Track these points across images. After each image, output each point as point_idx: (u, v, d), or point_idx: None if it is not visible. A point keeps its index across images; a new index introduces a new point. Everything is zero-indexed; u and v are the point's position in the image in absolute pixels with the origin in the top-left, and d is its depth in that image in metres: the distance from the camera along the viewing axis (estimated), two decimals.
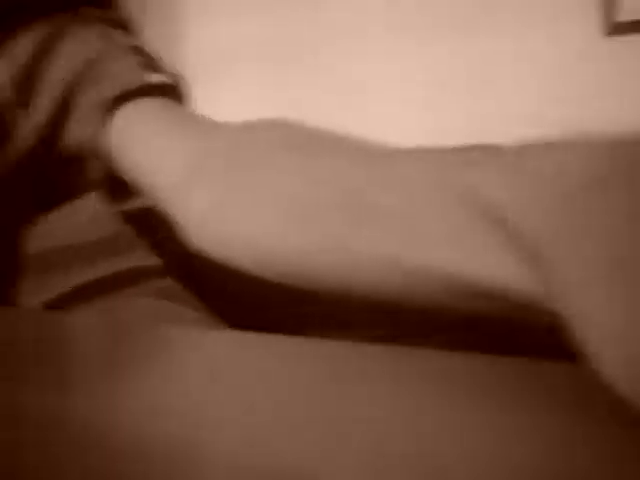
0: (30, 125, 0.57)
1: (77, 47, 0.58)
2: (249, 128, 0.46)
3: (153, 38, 0.62)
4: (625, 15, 1.58)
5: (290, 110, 1.59)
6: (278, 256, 0.38)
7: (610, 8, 1.59)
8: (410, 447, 0.21)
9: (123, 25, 0.61)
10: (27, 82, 0.58)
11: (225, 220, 0.42)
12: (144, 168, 0.50)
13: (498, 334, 0.47)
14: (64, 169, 0.59)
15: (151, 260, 0.85)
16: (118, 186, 0.55)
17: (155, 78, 0.55)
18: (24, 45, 0.58)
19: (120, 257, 0.79)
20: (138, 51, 0.59)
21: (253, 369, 0.30)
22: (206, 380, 0.29)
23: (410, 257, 0.31)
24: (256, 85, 2.00)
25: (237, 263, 0.41)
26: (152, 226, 0.62)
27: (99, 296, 0.75)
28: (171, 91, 0.56)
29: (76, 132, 0.56)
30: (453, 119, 1.76)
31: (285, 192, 0.39)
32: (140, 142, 0.51)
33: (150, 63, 0.58)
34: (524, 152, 0.29)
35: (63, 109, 0.57)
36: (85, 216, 0.86)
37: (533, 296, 0.27)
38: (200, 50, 2.05)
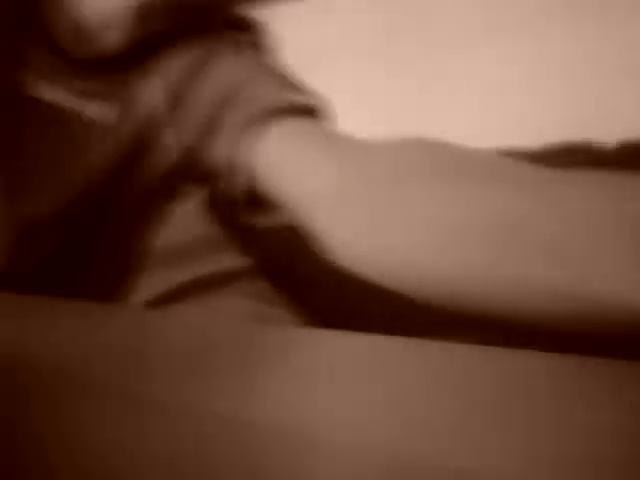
0: (175, 143, 0.60)
1: (227, 69, 0.60)
2: (395, 148, 0.46)
3: None
4: None
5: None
6: (430, 279, 0.38)
7: None
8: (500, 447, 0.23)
9: (265, 48, 0.64)
10: (176, 101, 0.60)
11: (376, 241, 0.42)
12: (291, 186, 0.51)
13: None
14: (204, 186, 0.61)
15: (241, 261, 0.87)
16: (254, 204, 0.56)
17: (300, 99, 0.56)
18: (176, 65, 0.61)
19: (215, 257, 0.82)
20: (282, 73, 0.60)
21: (370, 368, 0.32)
22: (328, 379, 0.30)
23: (585, 291, 0.31)
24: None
25: (386, 284, 0.42)
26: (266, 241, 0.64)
27: (196, 295, 0.77)
28: (315, 112, 0.57)
29: (221, 150, 0.58)
30: (509, 120, 1.75)
31: (438, 215, 0.39)
32: (288, 160, 0.52)
33: (294, 85, 0.59)
34: None
35: (209, 128, 0.59)
36: (181, 217, 0.89)
37: None
38: None
